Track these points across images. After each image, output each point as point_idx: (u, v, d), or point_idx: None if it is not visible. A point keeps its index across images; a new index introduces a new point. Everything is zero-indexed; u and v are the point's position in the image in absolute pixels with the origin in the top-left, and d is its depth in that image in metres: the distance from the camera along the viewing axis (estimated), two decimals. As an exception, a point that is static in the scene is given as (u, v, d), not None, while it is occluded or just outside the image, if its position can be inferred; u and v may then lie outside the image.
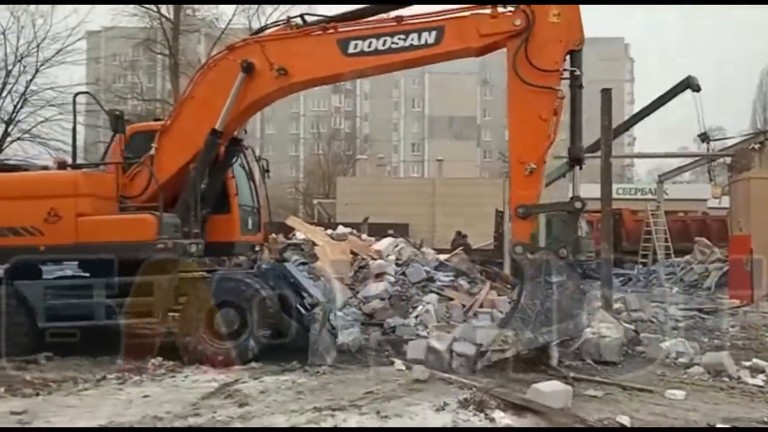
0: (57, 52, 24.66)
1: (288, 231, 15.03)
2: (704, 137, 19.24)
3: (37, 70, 24.65)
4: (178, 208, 8.25)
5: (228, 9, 32.32)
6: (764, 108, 52.52)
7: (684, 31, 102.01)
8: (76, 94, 11.03)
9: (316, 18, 8.22)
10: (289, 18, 8.48)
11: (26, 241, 7.93)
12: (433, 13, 7.62)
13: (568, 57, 7.55)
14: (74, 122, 9.64)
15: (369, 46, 7.66)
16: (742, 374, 7.35)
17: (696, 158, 22.14)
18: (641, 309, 12.03)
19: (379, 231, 17.09)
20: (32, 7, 24.52)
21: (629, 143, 60.21)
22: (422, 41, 7.53)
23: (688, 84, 18.37)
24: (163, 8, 28.59)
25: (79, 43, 26.52)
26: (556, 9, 7.32)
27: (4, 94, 24.50)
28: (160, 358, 7.70)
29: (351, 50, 7.72)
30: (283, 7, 27.06)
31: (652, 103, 19.52)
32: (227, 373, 7.21)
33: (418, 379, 6.78)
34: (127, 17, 29.20)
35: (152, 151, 8.38)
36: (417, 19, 7.62)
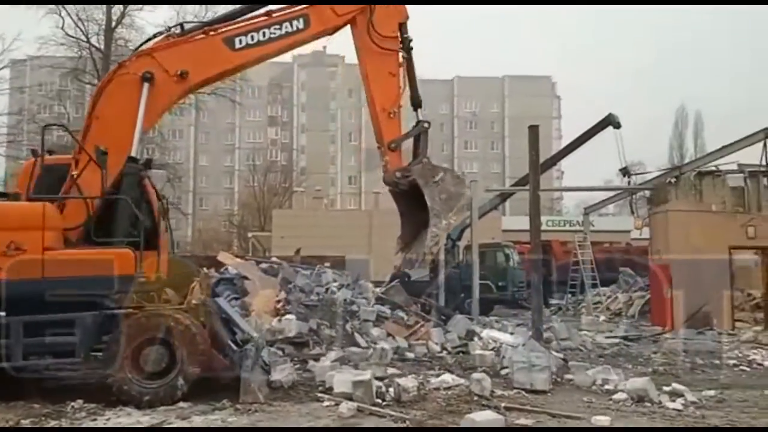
0: (-21, 80, 23.59)
1: (219, 266, 14.74)
2: (625, 171, 20.22)
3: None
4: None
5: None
6: (680, 145, 56.04)
7: (604, 68, 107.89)
8: None
9: (193, 24, 9.83)
10: (169, 27, 9.44)
11: None
12: (293, 5, 9.16)
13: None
14: None
15: (252, 39, 8.87)
16: (662, 399, 7.68)
17: (618, 191, 23.19)
18: (569, 337, 12.43)
19: (314, 264, 16.95)
20: (-47, 33, 23.50)
21: (558, 177, 62.65)
22: (294, 28, 9.04)
23: (610, 121, 19.35)
24: (93, 38, 27.95)
25: (3, 72, 25.52)
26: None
27: None
28: (80, 401, 7.30)
29: (237, 45, 8.83)
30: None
31: (575, 139, 20.42)
32: (153, 414, 6.93)
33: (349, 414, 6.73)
34: (55, 46, 28.31)
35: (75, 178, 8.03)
36: (284, 11, 9.06)
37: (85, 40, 27.83)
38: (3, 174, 31.38)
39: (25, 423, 6.58)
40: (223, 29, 8.95)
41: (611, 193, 24.65)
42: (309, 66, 70.45)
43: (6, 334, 7.51)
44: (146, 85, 8.30)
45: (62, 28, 27.38)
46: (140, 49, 9.18)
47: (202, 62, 8.76)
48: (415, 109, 10.05)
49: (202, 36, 8.94)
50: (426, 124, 9.75)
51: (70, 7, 27.09)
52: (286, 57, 73.17)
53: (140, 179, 8.44)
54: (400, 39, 9.54)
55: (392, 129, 9.52)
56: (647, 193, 19.61)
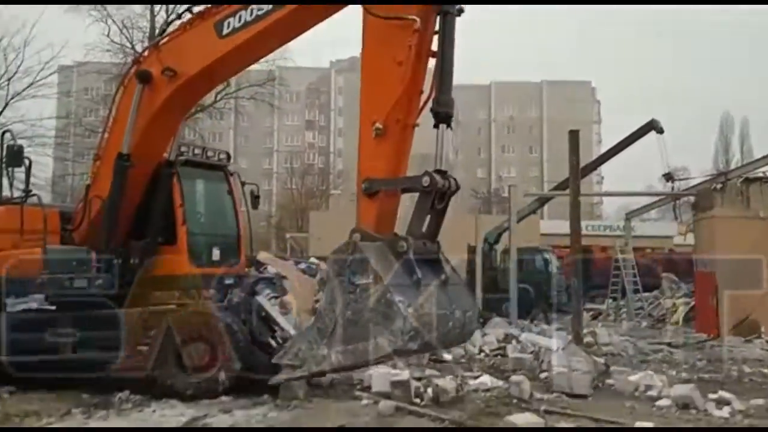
0: (28, 86, 24.58)
1: (259, 265, 14.95)
2: (668, 177, 19.80)
3: (6, 104, 24.47)
4: (92, 241, 8.08)
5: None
6: (726, 150, 54.54)
7: (647, 70, 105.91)
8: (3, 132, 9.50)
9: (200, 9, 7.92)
10: (179, 15, 8.48)
11: None
12: None
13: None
14: (1, 158, 8.31)
15: (239, 21, 7.28)
16: (708, 406, 7.47)
17: (661, 197, 22.69)
18: (611, 342, 12.20)
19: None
20: (4, 41, 24.49)
21: (598, 182, 61.53)
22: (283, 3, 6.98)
23: (652, 126, 18.99)
24: (138, 45, 28.72)
25: (51, 77, 26.43)
26: None
27: (-27, 126, 24.16)
28: (127, 392, 7.52)
29: (225, 31, 7.41)
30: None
31: (617, 144, 20.07)
32: (196, 408, 7.08)
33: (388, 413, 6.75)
34: (101, 53, 29.22)
35: (88, 181, 8.27)
36: None
37: (130, 47, 28.62)
38: (51, 175, 32.40)
39: (76, 412, 6.81)
40: (216, 11, 7.57)
41: (653, 198, 24.11)
42: (346, 71, 70.82)
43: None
44: (139, 86, 7.86)
45: (108, 35, 28.26)
46: (150, 44, 8.54)
47: (190, 54, 7.72)
48: (438, 124, 6.25)
49: (199, 21, 7.77)
50: (426, 180, 5.95)
51: (116, 16, 27.98)
52: (324, 62, 73.10)
53: (170, 180, 8.31)
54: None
55: (374, 160, 6.16)
56: (691, 198, 19.13)
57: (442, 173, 6.11)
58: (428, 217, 6.14)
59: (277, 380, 6.41)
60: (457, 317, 5.90)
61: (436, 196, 6.04)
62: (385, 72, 6.09)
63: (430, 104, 6.15)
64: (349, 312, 5.49)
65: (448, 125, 6.31)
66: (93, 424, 6.39)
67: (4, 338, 7.71)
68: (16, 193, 8.23)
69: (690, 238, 20.62)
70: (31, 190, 8.18)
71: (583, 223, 17.50)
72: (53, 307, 8.39)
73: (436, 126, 6.28)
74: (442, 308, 5.73)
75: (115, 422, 6.45)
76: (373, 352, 5.42)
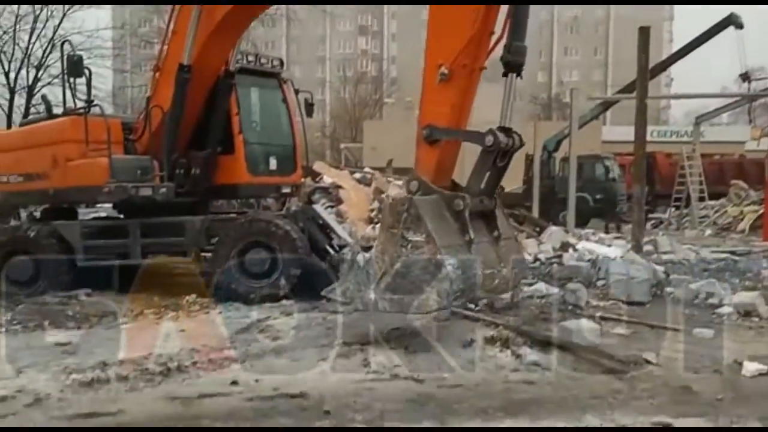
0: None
1: (315, 175, 15.13)
2: (745, 77, 18.59)
3: (64, 15, 24.68)
4: (154, 151, 8.24)
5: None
6: (811, 46, 50.13)
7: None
8: (63, 42, 10.41)
9: None
10: None
11: (38, 185, 8.31)
12: None
13: None
14: (62, 69, 8.76)
15: None
16: (772, 314, 7.29)
17: (736, 99, 21.31)
18: (672, 251, 11.93)
19: (406, 175, 17.07)
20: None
21: (666, 84, 58.22)
22: None
23: (731, 21, 17.58)
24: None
25: (106, -13, 26.38)
26: None
27: (33, 39, 24.66)
28: (194, 296, 7.94)
29: None
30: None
31: (691, 41, 18.78)
32: (259, 310, 7.43)
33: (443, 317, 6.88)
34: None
35: (149, 92, 8.33)
36: None
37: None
38: (111, 87, 33.10)
39: (148, 312, 7.26)
40: None
41: (726, 101, 22.70)
42: (399, -27, 67.98)
43: (124, 234, 8.24)
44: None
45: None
46: None
47: None
48: (507, 73, 5.90)
49: None
50: (490, 138, 5.80)
51: None
52: (377, -35, 70.07)
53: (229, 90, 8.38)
54: None
55: (437, 105, 5.93)
56: (769, 99, 17.91)
57: (507, 130, 5.95)
58: (488, 174, 6.08)
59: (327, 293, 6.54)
60: (504, 274, 5.98)
61: (498, 155, 5.93)
62: (455, 13, 5.75)
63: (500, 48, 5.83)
64: (399, 264, 5.54)
65: (519, 75, 5.98)
66: (164, 323, 6.80)
67: (79, 244, 8.17)
68: (79, 104, 8.43)
69: (764, 143, 19.51)
70: (93, 101, 8.36)
71: (649, 129, 16.76)
72: (121, 216, 8.84)
73: (504, 75, 5.94)
74: (491, 267, 5.81)
75: (184, 322, 6.84)
76: (418, 307, 5.51)
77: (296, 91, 9.42)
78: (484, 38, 5.85)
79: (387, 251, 5.60)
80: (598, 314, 7.16)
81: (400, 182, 15.01)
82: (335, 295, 6.17)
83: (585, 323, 6.42)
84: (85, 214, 9.94)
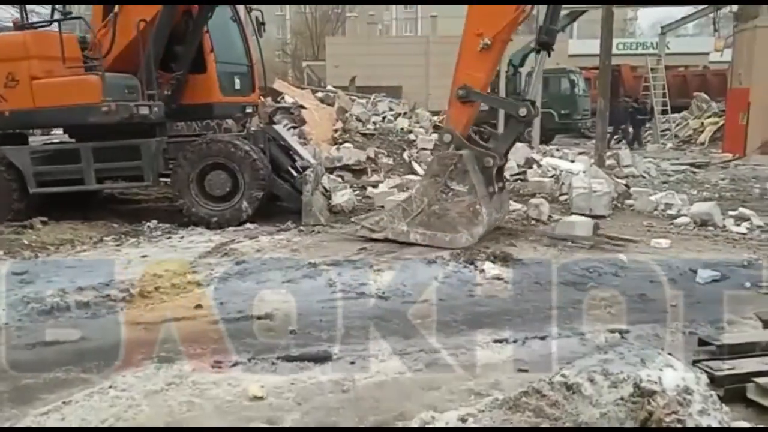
0: None
1: (276, 95, 14.67)
2: (711, -16, 18.27)
3: None
4: (140, 70, 7.84)
5: None
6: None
7: None
8: None
9: None
10: None
11: None
12: None
13: None
14: None
15: None
16: (727, 223, 7.52)
17: (702, 7, 21.07)
18: (633, 164, 12.10)
19: (370, 94, 16.66)
20: None
21: (633, -5, 57.34)
22: None
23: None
24: None
25: None
26: None
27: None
28: (155, 221, 7.79)
29: None
30: None
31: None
32: (222, 234, 7.34)
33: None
34: None
35: (116, 9, 7.84)
36: None
37: None
38: None
39: (107, 239, 7.11)
40: None
41: (692, 10, 22.44)
42: None
43: (77, 159, 7.91)
44: None
45: None
46: None
47: None
48: (539, 50, 7.00)
49: None
50: (524, 111, 6.61)
51: None
52: None
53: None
54: None
55: (476, 71, 6.57)
56: (734, 8, 17.76)
57: (532, 103, 6.80)
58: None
59: (353, 231, 6.97)
60: (501, 216, 7.23)
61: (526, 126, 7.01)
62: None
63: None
64: (436, 207, 6.48)
65: (549, 53, 6.96)
66: (125, 250, 6.67)
67: (30, 171, 7.85)
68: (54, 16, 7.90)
69: (727, 55, 19.50)
70: (71, 12, 7.81)
71: (615, 41, 16.54)
72: (73, 140, 8.47)
73: (537, 51, 7.11)
74: (498, 212, 7.00)
75: (146, 248, 6.72)
76: (449, 243, 6.36)
77: (248, 10, 9.05)
78: (521, 20, 6.73)
79: (428, 194, 6.53)
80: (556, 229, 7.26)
81: (363, 101, 14.70)
82: (367, 223, 6.82)
83: (580, 221, 7.08)
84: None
